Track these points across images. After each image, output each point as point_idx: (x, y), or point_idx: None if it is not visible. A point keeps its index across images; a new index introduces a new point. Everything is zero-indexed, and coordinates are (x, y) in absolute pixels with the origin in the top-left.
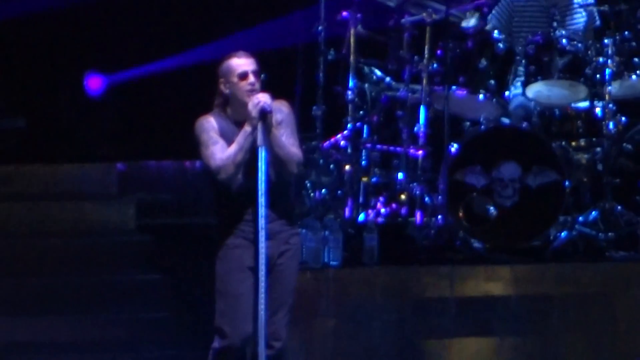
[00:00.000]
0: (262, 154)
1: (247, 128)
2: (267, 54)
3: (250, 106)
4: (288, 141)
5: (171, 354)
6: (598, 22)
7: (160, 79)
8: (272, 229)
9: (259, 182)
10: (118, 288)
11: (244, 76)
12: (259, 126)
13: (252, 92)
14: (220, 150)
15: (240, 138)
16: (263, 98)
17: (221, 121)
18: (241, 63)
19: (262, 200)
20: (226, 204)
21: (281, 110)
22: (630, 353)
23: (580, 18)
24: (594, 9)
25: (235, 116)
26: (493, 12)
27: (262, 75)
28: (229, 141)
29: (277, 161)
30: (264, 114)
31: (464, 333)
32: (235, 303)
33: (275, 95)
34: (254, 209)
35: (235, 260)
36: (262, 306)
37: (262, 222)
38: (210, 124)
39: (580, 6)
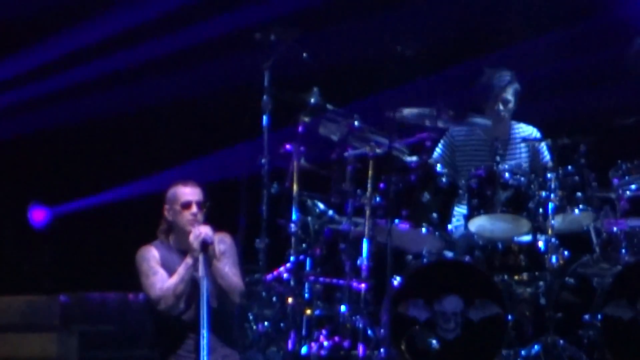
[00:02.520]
0: (203, 286)
1: (189, 260)
2: (210, 186)
3: (191, 238)
4: (231, 271)
5: None
6: (547, 158)
7: (104, 211)
8: (215, 359)
9: (201, 313)
10: None
11: (187, 206)
12: (200, 258)
13: (194, 222)
14: (160, 280)
15: (182, 269)
16: (204, 230)
17: (163, 250)
18: (186, 192)
19: (204, 332)
20: (166, 335)
21: (224, 241)
22: None
23: (523, 152)
24: (543, 145)
25: (178, 244)
26: (437, 147)
27: (207, 206)
28: (170, 270)
29: (219, 291)
30: (205, 246)
31: None
32: None
33: (218, 227)
34: (194, 340)
35: None
36: None
37: (204, 353)
38: (151, 253)
39: (523, 140)
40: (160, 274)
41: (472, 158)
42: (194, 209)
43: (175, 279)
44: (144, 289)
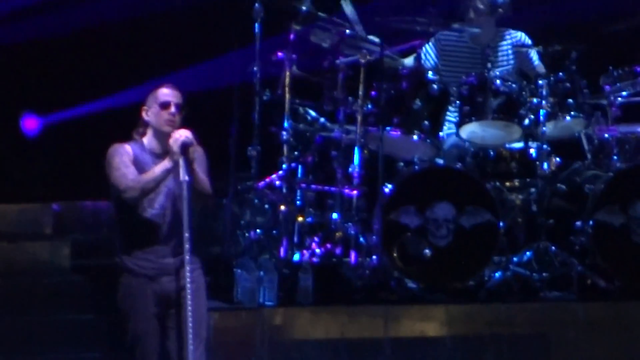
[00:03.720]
0: (184, 189)
1: (168, 164)
2: (202, 95)
3: (171, 141)
4: (201, 176)
5: None
6: (537, 64)
7: (96, 120)
8: (174, 264)
9: (185, 216)
10: (52, 328)
11: (165, 105)
12: (181, 161)
13: (171, 122)
14: (132, 173)
15: (158, 169)
16: (184, 132)
17: (136, 149)
18: (166, 93)
19: (187, 235)
20: (128, 240)
21: (195, 148)
22: None
23: (511, 59)
24: (533, 51)
25: (152, 146)
26: (424, 50)
27: (185, 110)
28: (141, 170)
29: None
30: (186, 147)
31: None
32: (139, 343)
33: (210, 135)
34: (154, 245)
35: (137, 298)
36: (190, 344)
37: (187, 256)
38: (125, 149)
39: (515, 46)
40: (132, 169)
41: (463, 64)
42: (173, 109)
43: (149, 175)
44: (113, 180)
